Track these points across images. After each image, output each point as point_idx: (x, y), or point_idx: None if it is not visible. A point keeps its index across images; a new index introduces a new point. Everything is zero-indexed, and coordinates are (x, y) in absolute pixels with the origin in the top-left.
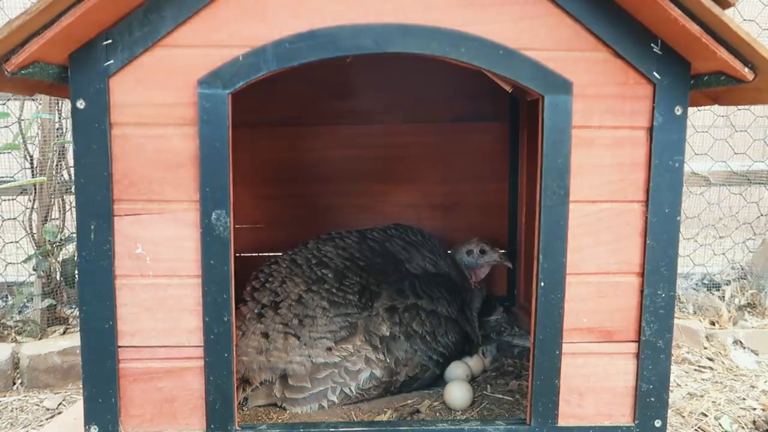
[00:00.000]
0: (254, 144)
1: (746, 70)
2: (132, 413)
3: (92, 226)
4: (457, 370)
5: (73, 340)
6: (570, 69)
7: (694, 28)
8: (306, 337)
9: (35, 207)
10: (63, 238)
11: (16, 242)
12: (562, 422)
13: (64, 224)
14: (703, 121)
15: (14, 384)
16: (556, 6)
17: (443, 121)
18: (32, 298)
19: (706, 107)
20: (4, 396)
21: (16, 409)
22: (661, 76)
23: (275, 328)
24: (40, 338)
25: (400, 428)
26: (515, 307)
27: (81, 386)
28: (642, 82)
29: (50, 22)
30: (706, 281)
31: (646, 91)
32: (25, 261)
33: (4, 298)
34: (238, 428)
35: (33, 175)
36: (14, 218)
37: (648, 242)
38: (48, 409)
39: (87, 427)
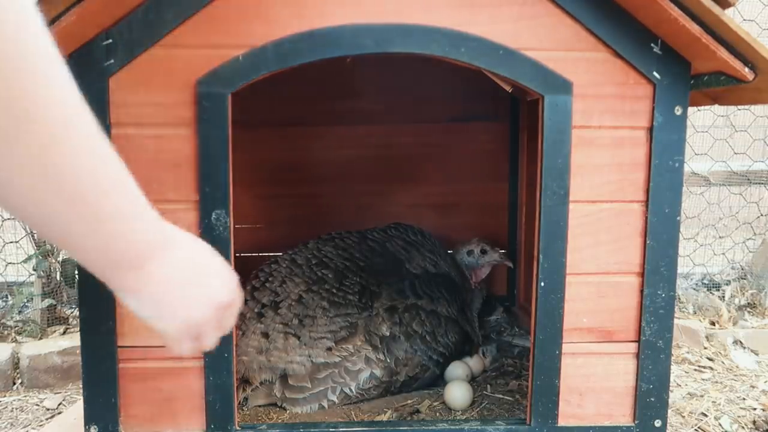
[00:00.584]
0: (254, 144)
1: (746, 70)
2: (132, 413)
3: None
4: (457, 370)
5: (73, 340)
6: (570, 69)
7: (694, 28)
8: (306, 337)
9: None
10: None
11: (16, 242)
12: (562, 422)
13: None
14: (703, 121)
15: (14, 384)
16: (555, 6)
17: (443, 121)
18: (32, 298)
19: (706, 107)
20: (4, 396)
21: (16, 409)
22: (661, 76)
23: (275, 328)
24: (40, 338)
25: (400, 428)
26: (515, 307)
27: (81, 386)
28: (642, 82)
29: (50, 22)
30: (706, 281)
31: (646, 91)
32: (25, 261)
33: (4, 298)
34: (238, 428)
35: None
36: (14, 218)
37: (648, 242)
38: (48, 409)
39: (87, 427)
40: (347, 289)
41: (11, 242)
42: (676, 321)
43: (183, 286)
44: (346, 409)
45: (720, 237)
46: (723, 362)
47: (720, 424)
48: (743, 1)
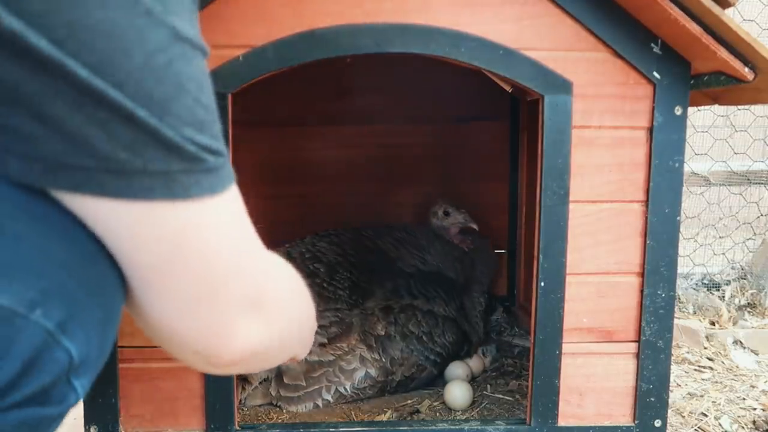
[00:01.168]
0: (254, 144)
1: (746, 70)
2: (132, 413)
3: None
4: (457, 370)
5: None
6: (570, 69)
7: (695, 28)
8: None
9: None
10: None
11: None
12: (562, 422)
13: None
14: (703, 121)
15: None
16: (556, 6)
17: (443, 121)
18: None
19: (706, 107)
20: None
21: None
22: (661, 76)
23: None
24: None
25: (400, 428)
26: (515, 307)
27: None
28: (642, 82)
29: None
30: (706, 281)
31: (646, 91)
32: None
33: None
34: (238, 428)
35: None
36: None
37: (648, 242)
38: None
39: (87, 427)
40: (337, 284)
41: None
42: (676, 321)
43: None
44: (346, 409)
45: (720, 237)
46: (723, 362)
47: (720, 424)
48: (743, 1)
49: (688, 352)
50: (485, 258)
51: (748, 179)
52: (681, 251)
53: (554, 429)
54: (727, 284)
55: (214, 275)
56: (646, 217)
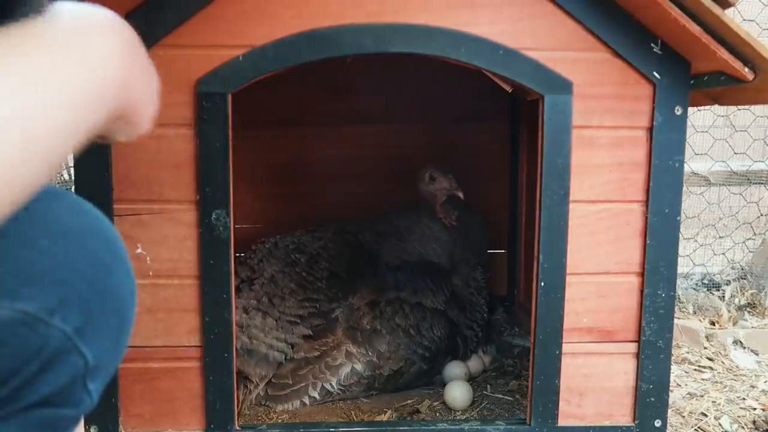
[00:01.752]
0: (254, 144)
1: (746, 70)
2: (132, 413)
3: None
4: (456, 370)
5: None
6: (570, 69)
7: (694, 28)
8: (276, 315)
9: None
10: None
11: None
12: (562, 422)
13: None
14: (703, 121)
15: None
16: (556, 6)
17: (443, 121)
18: None
19: (706, 107)
20: None
21: None
22: (661, 76)
23: (251, 304)
24: None
25: (400, 428)
26: (515, 307)
27: None
28: (642, 82)
29: None
30: (706, 281)
31: (646, 91)
32: None
33: None
34: (238, 428)
35: None
36: None
37: (648, 242)
38: None
39: (87, 427)
40: (316, 274)
41: None
42: (676, 321)
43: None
44: (346, 409)
45: (720, 237)
46: (723, 362)
47: (720, 424)
48: (743, 1)
49: (688, 352)
50: (473, 235)
51: (748, 179)
52: (681, 251)
53: (554, 429)
54: (727, 284)
55: None
56: (646, 217)
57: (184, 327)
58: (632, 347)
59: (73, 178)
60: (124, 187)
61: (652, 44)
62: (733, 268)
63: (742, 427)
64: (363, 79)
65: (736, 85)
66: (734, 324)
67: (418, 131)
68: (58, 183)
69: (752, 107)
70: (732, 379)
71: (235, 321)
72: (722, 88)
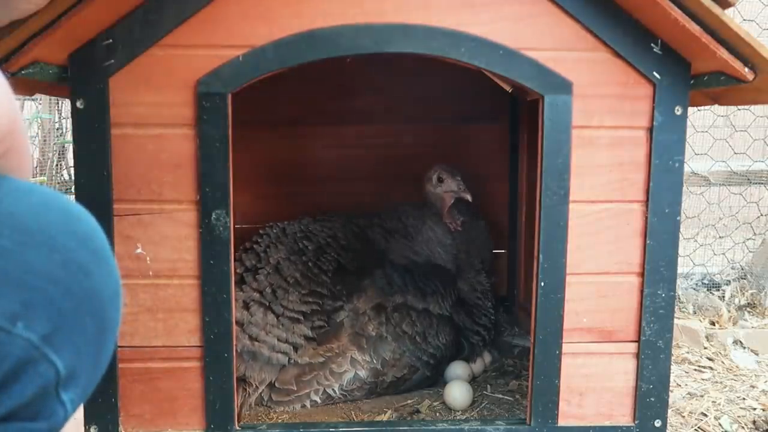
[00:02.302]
0: (254, 144)
1: (746, 70)
2: (132, 413)
3: None
4: (457, 370)
5: None
6: (570, 69)
7: (694, 28)
8: (279, 310)
9: None
10: None
11: None
12: (562, 422)
13: None
14: (703, 121)
15: None
16: (555, 6)
17: (443, 121)
18: None
19: (706, 107)
20: None
21: None
22: (661, 76)
23: (252, 297)
24: None
25: (400, 428)
26: (515, 307)
27: None
28: (642, 82)
29: (51, 22)
30: (706, 281)
31: (646, 91)
32: None
33: None
34: (238, 428)
35: (33, 175)
36: None
37: (648, 242)
38: None
39: (87, 427)
40: (322, 266)
41: None
42: (676, 321)
43: None
44: (346, 409)
45: (720, 237)
46: (723, 362)
47: (720, 424)
48: (743, 1)
49: (688, 352)
50: (478, 240)
51: (748, 179)
52: (681, 251)
53: (554, 429)
54: (727, 284)
55: None
56: (646, 217)
57: (184, 327)
58: (632, 347)
59: (73, 177)
60: (123, 187)
61: (652, 44)
62: (733, 268)
63: (742, 427)
64: (363, 79)
65: (736, 85)
66: (734, 324)
67: (418, 131)
68: (58, 183)
69: (752, 107)
70: (732, 379)
71: (235, 321)
72: (722, 88)
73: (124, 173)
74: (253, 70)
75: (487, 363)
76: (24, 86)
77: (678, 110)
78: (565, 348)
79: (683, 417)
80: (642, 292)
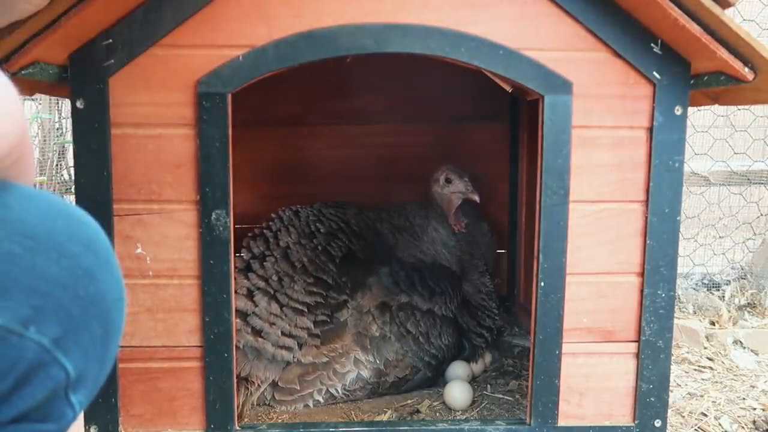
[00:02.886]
0: (254, 144)
1: (746, 70)
2: (132, 413)
3: None
4: (457, 370)
5: None
6: (570, 69)
7: (694, 28)
8: (285, 300)
9: None
10: None
11: None
12: (562, 422)
13: None
14: (703, 121)
15: None
16: (556, 6)
17: (443, 121)
18: None
19: (706, 107)
20: None
21: None
22: (661, 76)
23: (257, 285)
24: None
25: (400, 428)
26: (515, 307)
27: None
28: (642, 82)
29: (51, 22)
30: (706, 281)
31: (646, 91)
32: None
33: None
34: (238, 428)
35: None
36: None
37: (648, 242)
38: None
39: (87, 427)
40: (332, 251)
41: None
42: (676, 321)
43: None
44: (346, 409)
45: (720, 237)
46: (723, 362)
47: (720, 424)
48: (743, 1)
49: (688, 352)
50: (481, 242)
51: (748, 179)
52: (681, 251)
53: (554, 429)
54: (727, 284)
55: None
56: (646, 217)
57: (184, 327)
58: (632, 347)
59: (73, 177)
60: (123, 187)
61: (652, 44)
62: (733, 268)
63: (742, 427)
64: (363, 79)
65: (736, 85)
66: (734, 324)
67: (417, 131)
68: (58, 183)
69: (752, 107)
70: (732, 379)
71: (236, 313)
72: (722, 88)
73: (124, 173)
74: (253, 70)
75: (487, 363)
76: (24, 86)
77: (678, 110)
78: (565, 348)
79: (683, 417)
80: (642, 292)
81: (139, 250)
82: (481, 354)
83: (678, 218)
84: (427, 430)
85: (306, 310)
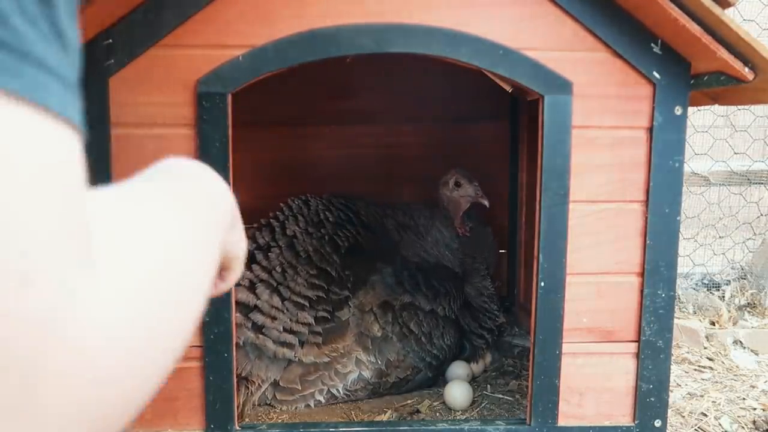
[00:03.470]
0: (254, 144)
1: (746, 70)
2: None
3: None
4: (457, 370)
5: None
6: (570, 69)
7: (694, 28)
8: (287, 293)
9: None
10: None
11: None
12: (562, 422)
13: None
14: (703, 121)
15: None
16: (555, 6)
17: (443, 121)
18: None
19: (706, 107)
20: None
21: None
22: (661, 76)
23: (260, 277)
24: None
25: (400, 428)
26: (515, 307)
27: None
28: (642, 82)
29: None
30: (706, 281)
31: (646, 91)
32: None
33: None
34: (238, 428)
35: None
36: None
37: (648, 242)
38: None
39: None
40: (338, 240)
41: None
42: (676, 321)
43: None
44: (346, 409)
45: (720, 237)
46: (723, 362)
47: (720, 424)
48: (743, 1)
49: (688, 352)
50: (484, 245)
51: (748, 179)
52: (681, 251)
53: (554, 429)
54: (727, 284)
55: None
56: (646, 217)
57: None
58: (632, 347)
59: None
60: None
61: (652, 44)
62: (733, 268)
63: (742, 427)
64: (363, 79)
65: (736, 85)
66: (734, 324)
67: (418, 131)
68: None
69: (752, 107)
70: (732, 379)
71: (234, 318)
72: (722, 88)
73: (124, 173)
74: (253, 70)
75: (487, 363)
76: None
77: (678, 110)
78: (565, 348)
79: (683, 417)
80: (642, 292)
81: None
82: (481, 354)
83: (678, 218)
84: (427, 430)
85: (307, 304)
